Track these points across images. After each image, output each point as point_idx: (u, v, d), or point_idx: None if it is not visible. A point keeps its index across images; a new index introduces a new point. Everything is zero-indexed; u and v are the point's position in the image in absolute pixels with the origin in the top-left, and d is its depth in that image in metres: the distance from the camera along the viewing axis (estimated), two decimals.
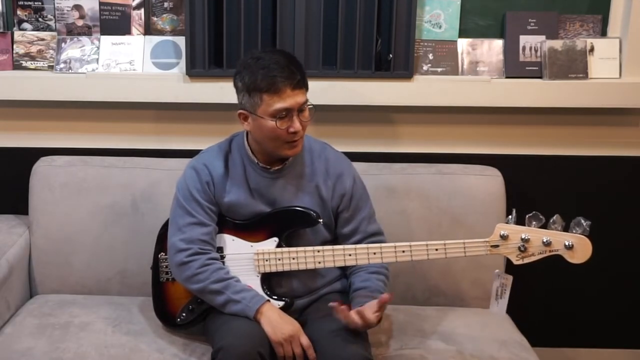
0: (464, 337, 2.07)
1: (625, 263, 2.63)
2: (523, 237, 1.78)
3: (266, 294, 1.93)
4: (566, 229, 1.78)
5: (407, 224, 2.29)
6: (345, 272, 2.08)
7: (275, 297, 1.93)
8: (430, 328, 2.13)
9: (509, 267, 1.94)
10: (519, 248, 1.79)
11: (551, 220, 1.77)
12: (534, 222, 1.78)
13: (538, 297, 2.62)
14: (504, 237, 1.80)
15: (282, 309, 1.91)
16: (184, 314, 2.01)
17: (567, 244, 1.75)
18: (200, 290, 1.92)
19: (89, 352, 1.95)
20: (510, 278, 1.89)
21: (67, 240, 2.31)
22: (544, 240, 1.77)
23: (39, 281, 2.33)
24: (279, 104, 1.83)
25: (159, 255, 2.06)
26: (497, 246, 1.81)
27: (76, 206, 2.31)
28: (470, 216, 2.29)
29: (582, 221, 1.76)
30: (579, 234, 1.76)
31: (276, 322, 1.85)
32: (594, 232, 1.78)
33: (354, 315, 1.80)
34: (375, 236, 2.02)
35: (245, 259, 1.95)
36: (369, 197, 2.06)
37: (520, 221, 1.81)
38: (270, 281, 1.97)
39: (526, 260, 1.80)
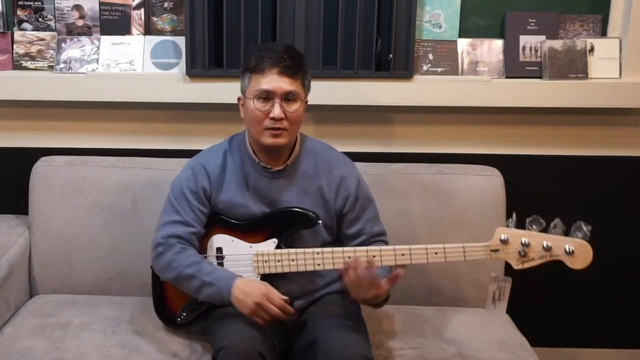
0: (464, 337, 2.08)
1: (626, 263, 2.62)
2: (523, 241, 1.76)
3: None
4: (567, 233, 1.75)
5: (407, 224, 2.29)
6: None
7: None
8: (430, 328, 2.13)
9: (508, 268, 1.93)
10: (519, 253, 1.76)
11: (552, 225, 1.75)
12: (535, 226, 1.76)
13: (538, 297, 2.62)
14: (504, 242, 1.77)
15: None
16: (184, 314, 2.01)
17: (567, 249, 1.72)
18: (176, 278, 1.92)
19: (89, 352, 1.95)
20: (509, 280, 1.87)
21: (67, 240, 2.31)
22: (545, 245, 1.74)
23: (39, 281, 2.33)
24: (261, 85, 1.85)
25: None
26: (497, 250, 1.78)
27: (76, 206, 2.31)
28: (470, 216, 2.29)
29: (583, 226, 1.73)
30: (580, 238, 1.73)
31: (241, 299, 1.82)
32: (594, 232, 1.78)
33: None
34: (379, 237, 2.02)
35: (245, 260, 1.95)
36: (373, 199, 2.06)
37: (520, 224, 1.78)
38: (270, 282, 1.96)
39: (526, 265, 1.77)
